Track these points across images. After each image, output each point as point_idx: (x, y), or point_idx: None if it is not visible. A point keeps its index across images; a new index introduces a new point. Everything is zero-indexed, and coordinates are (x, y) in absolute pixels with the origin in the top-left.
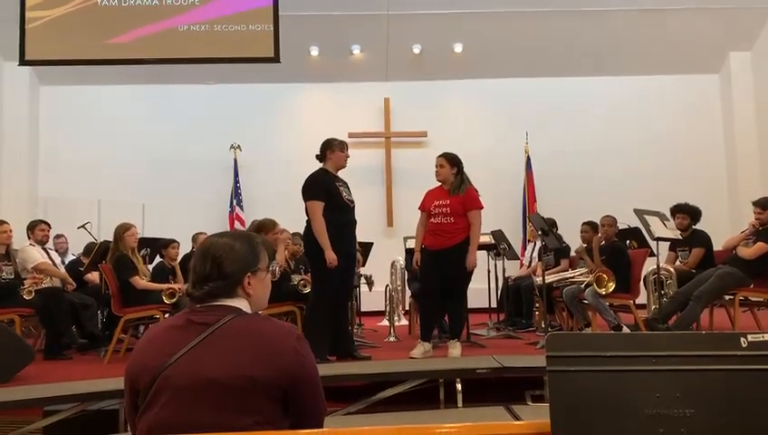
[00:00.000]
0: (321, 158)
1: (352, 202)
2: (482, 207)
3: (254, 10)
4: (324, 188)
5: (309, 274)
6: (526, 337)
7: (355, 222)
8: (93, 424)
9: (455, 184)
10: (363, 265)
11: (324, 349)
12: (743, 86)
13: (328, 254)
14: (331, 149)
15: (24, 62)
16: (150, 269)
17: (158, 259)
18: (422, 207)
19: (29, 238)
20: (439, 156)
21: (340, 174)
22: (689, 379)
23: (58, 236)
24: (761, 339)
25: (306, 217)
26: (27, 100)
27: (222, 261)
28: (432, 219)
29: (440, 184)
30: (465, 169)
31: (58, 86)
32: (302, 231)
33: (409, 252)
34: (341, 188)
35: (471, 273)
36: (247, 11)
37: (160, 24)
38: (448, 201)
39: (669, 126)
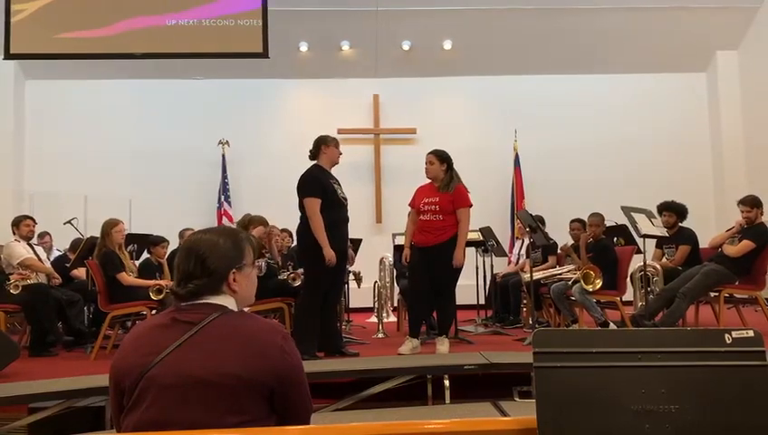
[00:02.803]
0: (313, 155)
1: (346, 199)
2: (471, 205)
3: (243, 12)
4: (320, 185)
5: (298, 269)
6: (514, 334)
7: (348, 219)
8: (79, 421)
9: (444, 181)
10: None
11: (313, 345)
12: (729, 85)
13: (326, 251)
14: (326, 144)
15: (8, 55)
16: (137, 265)
17: (144, 256)
18: (412, 204)
19: (14, 234)
20: (429, 153)
21: (333, 170)
22: (674, 375)
23: (42, 235)
24: (744, 335)
25: (300, 214)
26: (12, 94)
27: (206, 258)
28: (421, 216)
29: (430, 181)
30: (454, 166)
31: (44, 80)
32: (290, 226)
33: (398, 249)
34: (335, 185)
35: (459, 270)
36: (237, 13)
37: (148, 18)
38: (437, 198)
39: (656, 124)
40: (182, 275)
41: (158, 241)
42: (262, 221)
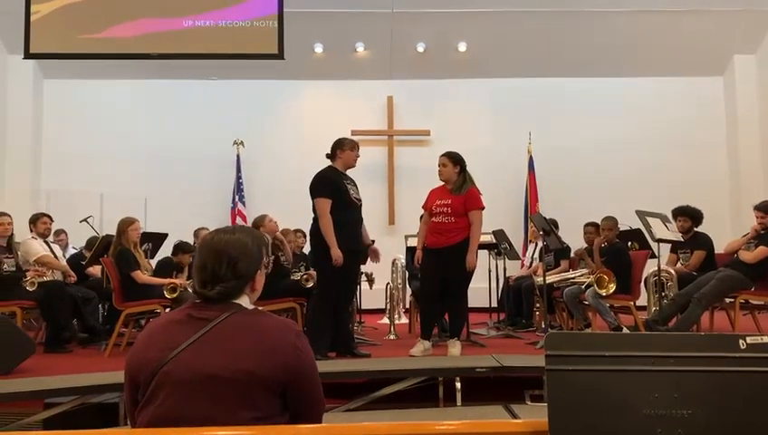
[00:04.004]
0: (331, 156)
1: (360, 200)
2: (483, 208)
3: (259, 18)
4: (332, 186)
5: (310, 269)
6: (526, 337)
7: (362, 220)
8: (94, 417)
9: (457, 183)
10: (364, 263)
11: (325, 345)
12: (746, 89)
13: (334, 251)
14: (342, 148)
15: (28, 55)
16: (152, 263)
17: (159, 255)
18: (425, 206)
19: (31, 231)
20: (442, 155)
21: (348, 172)
22: (687, 380)
23: (58, 233)
24: (759, 341)
25: (313, 215)
26: (31, 93)
27: (238, 262)
28: (433, 218)
29: (443, 183)
30: (467, 168)
31: (62, 80)
32: (303, 227)
33: (410, 250)
34: (349, 186)
35: (471, 272)
36: (253, 18)
37: (165, 21)
38: (450, 201)
39: (673, 128)
40: (210, 276)
41: (189, 250)
42: (264, 218)
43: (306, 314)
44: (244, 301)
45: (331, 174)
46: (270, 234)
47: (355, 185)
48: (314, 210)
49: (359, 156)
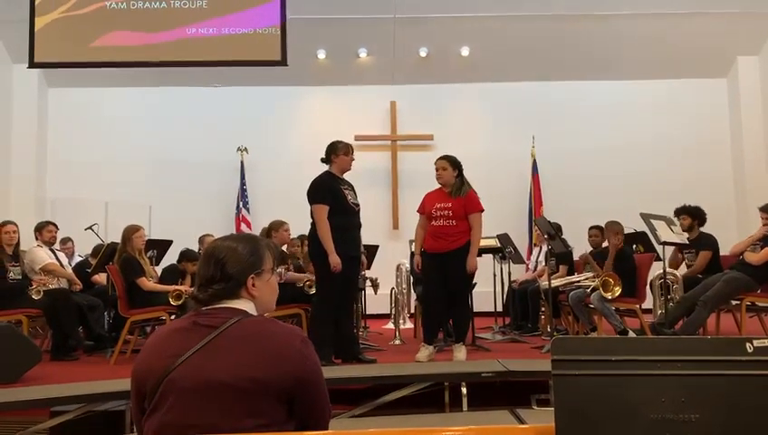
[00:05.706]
0: (326, 160)
1: (357, 205)
2: (482, 210)
3: (262, 28)
4: (329, 192)
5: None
6: (532, 341)
7: (360, 225)
8: (100, 425)
9: (455, 186)
10: (368, 268)
11: (329, 352)
12: (750, 90)
13: (332, 258)
14: (336, 153)
15: (32, 64)
16: (157, 270)
17: (165, 262)
18: (421, 210)
19: (36, 239)
20: (440, 159)
21: (347, 177)
22: (694, 384)
23: (64, 241)
24: (766, 344)
25: (312, 220)
26: (36, 102)
27: (225, 263)
28: (433, 222)
29: (440, 187)
30: (471, 172)
31: (66, 88)
32: (307, 233)
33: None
34: (347, 192)
35: (473, 276)
36: (257, 28)
37: (168, 30)
38: (450, 204)
39: (677, 130)
40: (202, 279)
41: (194, 257)
42: (279, 224)
43: (308, 321)
44: (248, 307)
45: (328, 179)
46: (280, 243)
47: (353, 190)
48: (312, 216)
49: (354, 159)
